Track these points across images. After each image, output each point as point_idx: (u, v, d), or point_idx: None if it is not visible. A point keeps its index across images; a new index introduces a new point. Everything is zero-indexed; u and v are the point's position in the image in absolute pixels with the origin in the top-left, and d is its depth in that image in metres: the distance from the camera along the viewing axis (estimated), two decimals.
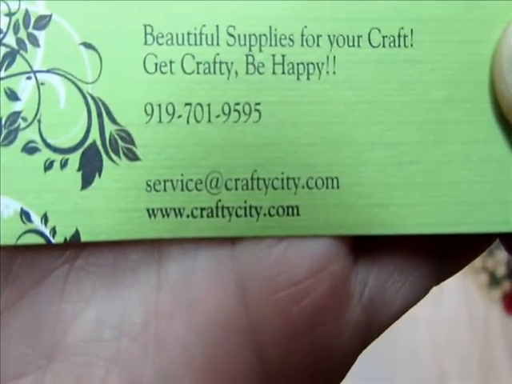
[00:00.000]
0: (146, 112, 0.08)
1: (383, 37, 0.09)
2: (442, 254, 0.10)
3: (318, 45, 0.09)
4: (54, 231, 0.08)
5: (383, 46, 0.09)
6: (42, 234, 0.08)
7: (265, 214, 0.09)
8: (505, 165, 0.09)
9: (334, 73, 0.09)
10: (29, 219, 0.08)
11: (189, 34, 0.08)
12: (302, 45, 0.09)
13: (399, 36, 0.09)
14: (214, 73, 0.09)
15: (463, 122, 0.09)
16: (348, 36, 0.09)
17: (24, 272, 0.08)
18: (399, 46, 0.09)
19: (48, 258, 0.08)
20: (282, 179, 0.09)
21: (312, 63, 0.09)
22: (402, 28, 0.09)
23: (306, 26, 0.09)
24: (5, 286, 0.08)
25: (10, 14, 0.08)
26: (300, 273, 0.09)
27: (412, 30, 0.09)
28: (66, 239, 0.08)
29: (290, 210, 0.09)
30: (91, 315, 0.09)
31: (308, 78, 0.09)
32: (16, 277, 0.08)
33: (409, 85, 0.09)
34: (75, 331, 0.09)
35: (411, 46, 0.09)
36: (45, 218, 0.08)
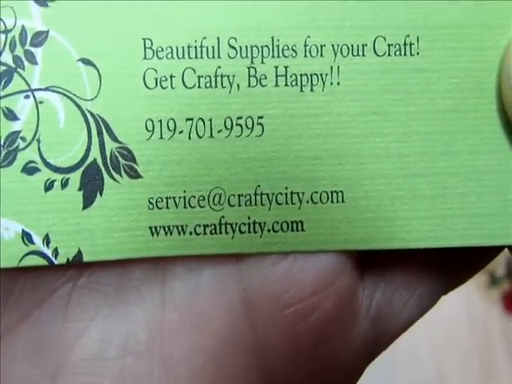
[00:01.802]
0: (146, 128, 0.08)
1: (389, 45, 0.09)
2: (449, 266, 0.09)
3: (321, 55, 0.09)
4: (56, 252, 0.08)
5: (389, 54, 0.09)
6: (44, 256, 0.08)
7: (269, 230, 0.09)
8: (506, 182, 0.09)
9: (339, 84, 0.09)
10: (30, 241, 0.08)
11: (189, 46, 0.08)
12: (306, 55, 0.08)
13: (405, 44, 0.09)
14: (216, 86, 0.08)
15: (470, 132, 0.09)
16: (352, 45, 0.09)
17: (26, 292, 0.08)
18: (405, 54, 0.09)
19: (50, 278, 0.08)
20: (286, 194, 0.09)
21: (316, 74, 0.09)
22: (408, 36, 0.09)
23: (309, 36, 0.08)
24: (7, 307, 0.08)
25: (5, 31, 0.08)
26: (306, 289, 0.09)
27: (418, 38, 0.09)
28: (68, 260, 0.08)
29: (295, 225, 0.09)
30: (95, 334, 0.09)
31: (312, 90, 0.09)
32: (19, 297, 0.08)
33: (415, 94, 0.09)
34: (79, 350, 0.08)
35: (417, 54, 0.09)
36: (47, 239, 0.08)
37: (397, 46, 0.09)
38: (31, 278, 0.08)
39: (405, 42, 0.09)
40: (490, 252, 0.10)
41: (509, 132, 0.09)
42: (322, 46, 0.08)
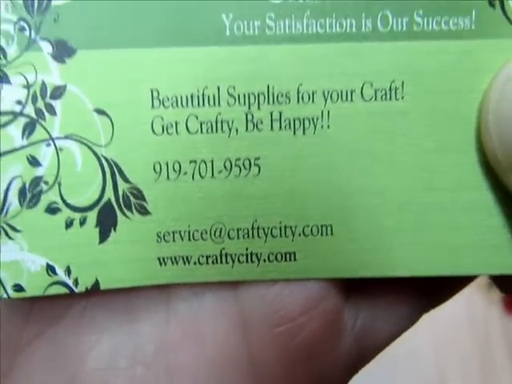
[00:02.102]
0: (154, 170, 0.09)
1: (375, 90, 0.09)
2: (429, 288, 0.10)
3: (313, 101, 0.09)
4: (76, 282, 0.09)
5: (375, 99, 0.09)
6: (66, 285, 0.09)
7: (264, 260, 0.09)
8: (490, 211, 0.09)
9: (329, 127, 0.09)
10: (54, 272, 0.09)
11: (192, 95, 0.09)
12: (298, 101, 0.09)
13: (390, 89, 0.09)
14: (216, 131, 0.09)
15: (451, 170, 0.09)
16: (341, 91, 0.09)
17: (45, 309, 0.09)
18: (390, 98, 0.09)
19: (66, 297, 0.09)
20: (280, 228, 0.09)
21: (308, 118, 0.09)
22: (394, 81, 0.09)
23: (301, 84, 0.09)
24: (28, 322, 0.09)
25: (27, 86, 0.09)
26: (294, 310, 0.10)
27: (403, 83, 0.09)
28: (87, 288, 0.09)
29: (288, 255, 0.09)
30: (107, 346, 0.10)
31: (304, 133, 0.09)
32: (38, 313, 0.09)
33: (399, 136, 0.09)
34: (93, 361, 0.10)
35: (402, 98, 0.09)
36: (68, 271, 0.09)
37: (383, 91, 0.09)
38: (50, 296, 0.09)
39: (390, 87, 0.09)
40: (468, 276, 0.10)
41: (487, 170, 0.09)
42: (313, 93, 0.09)
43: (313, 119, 0.09)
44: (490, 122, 0.09)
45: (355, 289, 0.10)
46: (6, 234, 0.09)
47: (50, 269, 0.09)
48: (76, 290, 0.09)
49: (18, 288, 0.09)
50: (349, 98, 0.09)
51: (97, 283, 0.09)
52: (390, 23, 0.09)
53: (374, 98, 0.09)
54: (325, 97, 0.09)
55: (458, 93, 0.09)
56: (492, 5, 0.09)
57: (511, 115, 0.09)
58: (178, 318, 0.10)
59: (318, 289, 0.10)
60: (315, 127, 0.09)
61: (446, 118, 0.09)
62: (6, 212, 0.09)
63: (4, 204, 0.09)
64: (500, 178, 0.09)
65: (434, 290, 0.10)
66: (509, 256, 0.09)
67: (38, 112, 0.09)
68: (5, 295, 0.09)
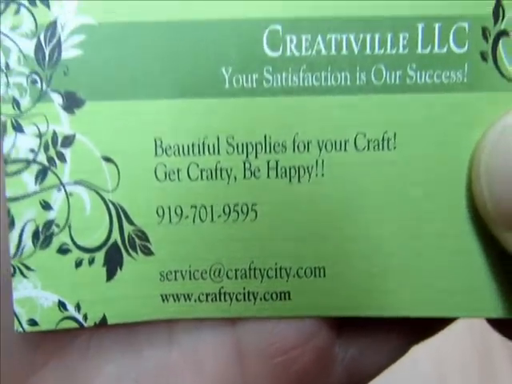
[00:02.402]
0: (158, 214, 0.10)
1: (368, 141, 0.10)
2: (419, 323, 0.11)
3: (308, 150, 0.10)
4: (85, 317, 0.10)
5: (368, 149, 0.10)
6: (76, 320, 0.10)
7: (261, 299, 0.10)
8: (476, 256, 0.10)
9: (323, 175, 0.10)
10: (65, 308, 0.10)
11: (193, 144, 0.10)
12: (294, 151, 0.10)
13: (383, 140, 0.10)
14: (216, 178, 0.10)
15: (439, 217, 0.10)
16: (335, 141, 0.10)
17: (54, 338, 0.10)
18: (383, 149, 0.10)
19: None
20: (276, 269, 0.10)
21: (303, 167, 0.10)
22: (386, 132, 0.10)
23: (297, 134, 0.10)
24: (37, 351, 0.10)
25: (40, 136, 0.09)
26: (288, 344, 0.10)
27: (395, 134, 0.10)
28: (95, 323, 0.10)
29: (283, 295, 0.10)
30: (112, 369, 0.10)
31: (299, 181, 0.10)
32: (47, 342, 0.10)
33: (391, 184, 0.10)
34: (100, 383, 0.10)
35: (394, 148, 0.10)
36: (78, 307, 0.10)
37: (375, 141, 0.10)
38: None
39: (383, 137, 0.10)
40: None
41: (474, 217, 0.10)
42: (308, 143, 0.10)
43: (308, 168, 0.10)
44: (482, 173, 0.09)
45: (346, 324, 0.11)
46: (21, 273, 0.10)
47: (62, 305, 0.10)
48: (85, 325, 0.10)
49: (33, 322, 0.10)
50: (342, 148, 0.10)
51: (104, 318, 0.10)
52: (384, 76, 0.10)
53: (366, 148, 0.10)
54: (319, 146, 0.10)
55: (449, 144, 0.10)
56: (484, 58, 0.10)
57: (503, 167, 0.09)
58: (180, 347, 0.10)
59: (310, 325, 0.10)
60: (310, 175, 0.10)
61: (435, 167, 0.10)
62: (21, 253, 0.09)
63: (19, 245, 0.09)
64: (488, 226, 0.10)
65: (422, 326, 0.11)
66: (492, 300, 0.10)
67: (50, 159, 0.09)
68: (20, 329, 0.10)
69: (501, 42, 0.10)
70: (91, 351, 0.10)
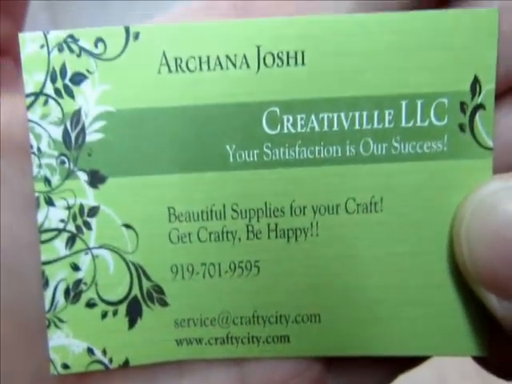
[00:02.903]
0: (172, 271, 0.11)
1: (357, 205, 0.11)
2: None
3: (303, 214, 0.11)
4: (111, 360, 0.11)
5: (357, 212, 0.11)
6: (102, 363, 0.11)
7: (263, 342, 0.11)
8: (455, 305, 0.11)
9: (317, 235, 0.11)
10: (93, 353, 0.11)
11: (202, 211, 0.11)
12: (291, 215, 0.11)
13: (371, 203, 0.11)
14: (223, 240, 0.11)
15: (422, 271, 0.11)
16: (328, 206, 0.11)
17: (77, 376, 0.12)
18: (371, 211, 0.11)
19: None
20: (276, 316, 0.11)
21: (299, 229, 0.11)
22: (373, 196, 0.11)
23: (294, 200, 0.11)
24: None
25: (69, 208, 0.11)
26: (286, 375, 0.12)
27: (382, 198, 0.11)
28: (119, 365, 0.11)
29: (283, 338, 0.11)
30: None
31: (296, 240, 0.11)
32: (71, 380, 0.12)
33: (378, 242, 0.11)
34: None
35: (381, 210, 0.11)
36: (104, 352, 0.11)
37: (364, 205, 0.11)
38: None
39: (371, 201, 0.11)
40: None
41: (455, 272, 0.11)
42: (304, 207, 0.11)
43: (304, 229, 0.11)
44: (463, 238, 0.10)
45: (337, 358, 0.12)
46: (55, 325, 0.11)
47: (90, 351, 0.11)
48: (110, 367, 0.11)
49: (65, 366, 0.11)
50: (335, 212, 0.11)
51: (127, 361, 0.11)
52: (371, 148, 0.11)
53: (356, 211, 0.11)
54: (314, 210, 0.11)
55: (430, 206, 0.11)
56: (463, 129, 0.11)
57: (480, 235, 0.10)
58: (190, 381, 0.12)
59: (305, 360, 0.12)
60: (306, 236, 0.11)
61: (419, 227, 0.11)
62: (55, 308, 0.11)
63: (53, 302, 0.11)
64: (466, 280, 0.11)
65: (407, 358, 0.12)
66: (469, 340, 0.11)
67: (78, 228, 0.11)
68: (55, 372, 0.11)
69: (477, 114, 0.11)
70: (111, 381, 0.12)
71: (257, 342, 0.11)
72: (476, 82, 0.11)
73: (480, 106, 0.11)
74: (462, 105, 0.11)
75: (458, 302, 0.11)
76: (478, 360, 0.12)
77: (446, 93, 0.11)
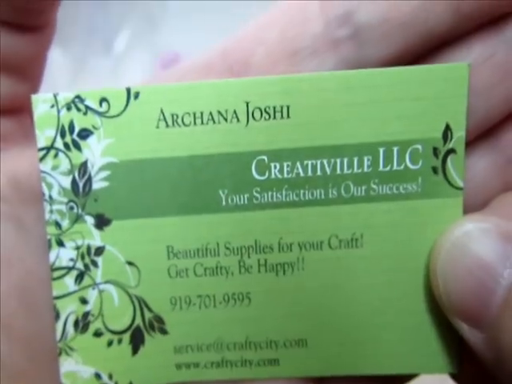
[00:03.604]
0: (171, 303, 0.12)
1: (340, 241, 0.12)
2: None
3: (290, 250, 0.12)
4: None
5: (340, 247, 0.12)
6: None
7: (255, 365, 0.13)
8: (432, 329, 0.12)
9: (303, 269, 0.12)
10: (100, 378, 0.12)
11: (198, 249, 0.12)
12: (279, 251, 0.12)
13: (352, 240, 0.12)
14: (217, 274, 0.12)
15: (398, 298, 0.12)
16: (313, 242, 0.12)
17: None
18: (352, 247, 0.12)
19: None
20: (267, 342, 0.12)
21: (287, 263, 0.12)
22: (354, 233, 0.12)
23: (281, 238, 0.12)
24: None
25: (77, 248, 0.12)
26: None
27: (362, 235, 0.12)
28: None
29: (273, 361, 0.13)
30: None
31: (284, 274, 0.12)
32: None
33: (359, 273, 0.12)
34: None
35: (362, 246, 0.12)
36: (110, 376, 0.12)
37: (346, 241, 0.12)
38: None
39: (352, 238, 0.12)
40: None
41: (430, 298, 0.12)
42: (290, 244, 0.12)
43: (291, 264, 0.12)
44: (438, 273, 0.11)
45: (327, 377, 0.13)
46: (66, 353, 0.12)
47: (98, 376, 0.12)
48: None
49: None
50: (319, 247, 0.12)
51: None
52: (352, 190, 0.12)
53: (338, 247, 0.12)
54: (300, 247, 0.12)
55: (407, 241, 0.12)
56: (436, 172, 0.12)
57: (455, 272, 0.11)
58: None
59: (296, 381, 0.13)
60: (293, 269, 0.12)
61: (397, 260, 0.12)
62: (65, 337, 0.12)
63: (63, 332, 0.12)
64: (441, 309, 0.12)
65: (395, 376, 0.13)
66: (439, 360, 0.12)
67: (86, 266, 0.12)
68: None
69: (449, 158, 0.12)
70: None
71: (249, 365, 0.13)
72: (448, 129, 0.12)
73: (451, 151, 0.12)
74: (435, 150, 0.12)
75: (432, 326, 0.12)
76: (453, 376, 0.14)
77: (421, 139, 0.12)
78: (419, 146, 0.12)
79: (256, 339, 0.13)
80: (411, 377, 0.14)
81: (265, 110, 0.12)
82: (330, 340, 0.12)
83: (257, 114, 0.12)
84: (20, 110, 0.12)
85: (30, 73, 0.12)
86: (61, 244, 0.12)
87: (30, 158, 0.12)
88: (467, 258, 0.11)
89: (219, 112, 0.11)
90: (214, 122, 0.12)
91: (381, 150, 0.12)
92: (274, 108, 0.12)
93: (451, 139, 0.12)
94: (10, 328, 0.12)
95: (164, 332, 0.12)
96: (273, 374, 0.13)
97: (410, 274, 0.12)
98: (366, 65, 0.12)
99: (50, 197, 0.12)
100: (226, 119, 0.12)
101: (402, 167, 0.12)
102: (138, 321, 0.12)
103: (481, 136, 0.12)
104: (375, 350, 0.12)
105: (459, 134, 0.12)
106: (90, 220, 0.12)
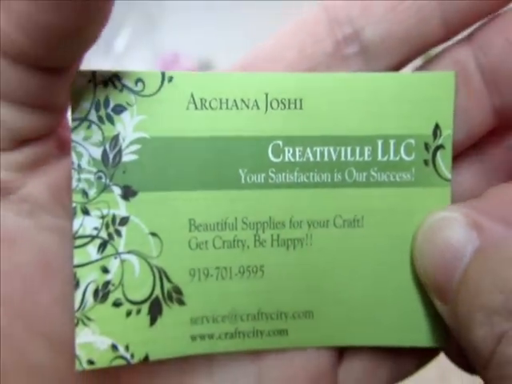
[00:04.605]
0: (190, 274, 0.13)
1: (344, 221, 0.13)
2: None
3: (300, 227, 0.13)
4: (132, 356, 0.12)
5: (343, 226, 0.13)
6: (125, 359, 0.12)
7: (266, 335, 0.13)
8: (418, 306, 0.14)
9: (311, 244, 0.13)
10: (117, 349, 0.12)
11: (217, 223, 0.13)
12: (291, 227, 0.13)
13: (354, 220, 0.14)
14: (234, 247, 0.13)
15: (393, 275, 0.14)
16: (320, 221, 0.13)
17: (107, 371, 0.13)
18: (354, 226, 0.14)
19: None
20: (277, 313, 0.13)
21: (297, 239, 0.13)
22: (356, 215, 0.14)
23: (292, 216, 0.13)
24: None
25: (102, 217, 0.12)
26: (297, 369, 0.14)
27: (363, 217, 0.14)
28: (140, 360, 0.13)
29: (282, 332, 0.13)
30: None
31: (294, 249, 0.13)
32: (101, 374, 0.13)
33: (360, 251, 0.14)
34: None
35: (362, 226, 0.14)
36: (127, 348, 0.12)
37: (349, 221, 0.14)
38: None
39: (354, 219, 0.14)
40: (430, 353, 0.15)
41: (417, 277, 0.14)
42: (301, 222, 0.13)
43: (300, 239, 0.13)
44: (416, 251, 0.13)
45: (347, 353, 0.14)
46: (83, 323, 0.12)
47: (114, 347, 0.12)
48: (132, 362, 0.12)
49: (91, 362, 0.12)
50: (325, 226, 0.13)
51: (147, 356, 0.13)
52: (354, 176, 0.13)
53: (342, 226, 0.13)
54: (308, 224, 0.13)
55: (401, 224, 0.14)
56: (427, 164, 0.14)
57: (428, 251, 0.13)
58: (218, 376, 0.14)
59: (315, 354, 0.14)
60: (302, 245, 0.13)
61: (392, 240, 0.14)
62: (84, 307, 0.12)
63: (82, 301, 0.12)
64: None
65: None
66: (429, 334, 0.14)
67: (109, 235, 0.12)
68: (80, 368, 0.12)
69: (438, 152, 0.14)
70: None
71: (260, 336, 0.13)
72: (437, 127, 0.14)
73: (440, 146, 0.14)
74: (426, 145, 0.14)
75: (420, 302, 0.14)
76: (444, 350, 0.15)
77: (414, 135, 0.14)
78: (412, 141, 0.14)
79: (267, 310, 0.13)
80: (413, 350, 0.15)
81: (281, 101, 0.13)
82: (334, 312, 0.14)
83: (274, 104, 0.13)
84: (54, 130, 0.13)
85: (60, 102, 0.12)
86: (86, 212, 0.12)
87: (67, 167, 0.13)
88: (439, 240, 0.13)
89: (242, 100, 0.13)
90: (237, 108, 0.13)
91: (379, 142, 0.14)
92: (289, 100, 0.13)
93: (440, 136, 0.14)
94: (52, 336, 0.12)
95: (182, 303, 0.13)
96: (282, 344, 0.13)
97: (402, 254, 0.14)
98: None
99: (79, 166, 0.12)
100: (247, 106, 0.13)
101: (398, 158, 0.14)
102: (157, 291, 0.13)
103: (468, 149, 0.14)
104: (373, 323, 0.14)
105: (447, 132, 0.14)
106: (116, 190, 0.12)
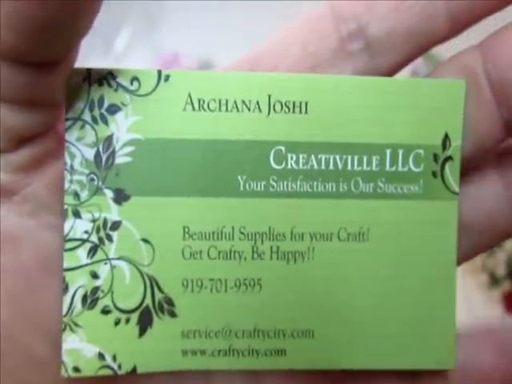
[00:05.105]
0: (183, 285, 0.12)
1: (348, 234, 0.13)
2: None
3: (302, 240, 0.12)
4: (120, 366, 0.12)
5: (348, 240, 0.12)
6: (111, 369, 0.12)
7: (262, 355, 0.13)
8: (426, 320, 0.12)
9: (313, 258, 0.12)
10: (104, 358, 0.12)
11: (213, 232, 0.12)
12: (291, 240, 0.12)
13: (359, 233, 0.13)
14: (230, 259, 0.12)
15: (400, 292, 0.13)
16: (323, 233, 0.12)
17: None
18: (359, 240, 0.13)
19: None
20: (274, 331, 0.13)
21: (298, 252, 0.12)
22: (361, 227, 0.13)
23: (294, 227, 0.12)
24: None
25: (93, 221, 0.12)
26: None
27: (368, 229, 0.13)
28: (127, 371, 0.12)
29: (280, 352, 0.13)
30: None
31: (295, 262, 0.12)
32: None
33: (365, 266, 0.13)
34: None
35: (368, 239, 0.13)
36: (114, 358, 0.12)
37: (354, 234, 0.13)
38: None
39: (359, 232, 0.13)
40: None
41: (428, 292, 0.12)
42: (302, 234, 0.12)
43: (302, 253, 0.12)
44: None
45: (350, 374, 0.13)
46: (70, 329, 0.12)
47: (101, 356, 0.12)
48: (118, 373, 0.12)
49: (76, 370, 0.12)
50: (328, 239, 0.12)
51: (134, 368, 0.12)
52: (360, 187, 0.12)
53: (347, 239, 0.12)
54: (311, 237, 0.12)
55: (408, 237, 0.13)
56: (435, 176, 0.13)
57: None
58: None
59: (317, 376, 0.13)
60: (303, 258, 0.12)
61: (399, 255, 0.13)
62: (72, 312, 0.12)
63: (70, 306, 0.12)
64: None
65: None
66: (437, 355, 0.12)
67: (100, 239, 0.12)
68: (66, 375, 0.12)
69: (447, 164, 0.13)
70: None
71: (256, 355, 0.13)
72: (446, 138, 0.13)
73: (449, 158, 0.13)
74: (435, 156, 0.13)
75: (430, 322, 0.13)
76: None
77: (423, 145, 0.13)
78: (421, 151, 0.13)
79: (264, 327, 0.13)
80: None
81: (285, 103, 0.12)
82: (336, 332, 0.13)
83: (277, 107, 0.12)
84: (53, 127, 0.12)
85: (56, 98, 0.12)
86: (77, 215, 0.12)
87: (55, 173, 0.12)
88: None
89: (243, 101, 0.12)
90: (237, 110, 0.12)
91: (388, 152, 0.13)
92: (294, 103, 0.12)
93: (449, 147, 0.13)
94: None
95: (173, 315, 0.12)
96: (279, 365, 0.13)
97: (410, 269, 0.13)
98: (377, 73, 0.13)
99: (72, 167, 0.12)
100: (249, 108, 0.12)
101: (406, 169, 0.13)
102: (148, 301, 0.12)
103: (477, 165, 0.13)
104: (379, 344, 0.13)
105: (456, 143, 0.13)
106: (109, 193, 0.12)
